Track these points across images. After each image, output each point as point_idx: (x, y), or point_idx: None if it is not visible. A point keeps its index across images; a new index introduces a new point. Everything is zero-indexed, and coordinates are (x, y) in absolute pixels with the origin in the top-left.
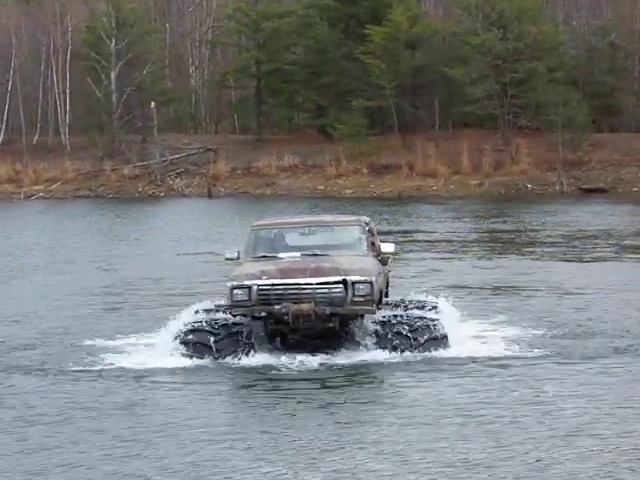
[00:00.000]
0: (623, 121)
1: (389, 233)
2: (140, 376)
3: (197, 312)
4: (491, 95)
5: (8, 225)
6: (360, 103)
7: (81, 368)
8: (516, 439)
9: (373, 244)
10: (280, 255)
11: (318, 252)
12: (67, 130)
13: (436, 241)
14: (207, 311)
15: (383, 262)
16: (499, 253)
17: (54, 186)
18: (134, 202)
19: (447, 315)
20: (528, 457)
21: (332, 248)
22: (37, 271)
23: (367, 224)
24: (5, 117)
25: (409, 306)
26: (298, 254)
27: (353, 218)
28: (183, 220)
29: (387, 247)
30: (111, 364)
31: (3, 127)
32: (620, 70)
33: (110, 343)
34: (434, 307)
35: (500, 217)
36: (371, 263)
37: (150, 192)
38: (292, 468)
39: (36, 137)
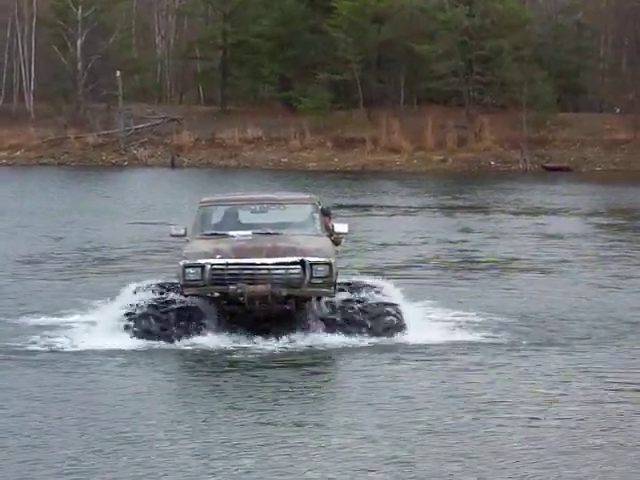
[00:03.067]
0: (588, 100)
1: (348, 207)
2: (77, 355)
3: (138, 290)
4: (456, 72)
5: None
6: (325, 77)
7: (13, 347)
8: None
9: (326, 224)
10: (230, 233)
11: (270, 231)
12: (32, 97)
13: (392, 216)
14: (151, 290)
15: (336, 242)
16: (454, 229)
17: (17, 153)
18: (97, 170)
19: (396, 299)
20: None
21: (285, 227)
22: None
23: (319, 203)
24: None
25: (359, 288)
26: (249, 232)
27: (305, 196)
28: (143, 190)
29: (340, 227)
30: (47, 344)
31: None
32: (586, 49)
33: (46, 320)
34: (381, 290)
35: (459, 193)
36: (327, 243)
37: (113, 161)
38: (216, 445)
39: (0, 103)
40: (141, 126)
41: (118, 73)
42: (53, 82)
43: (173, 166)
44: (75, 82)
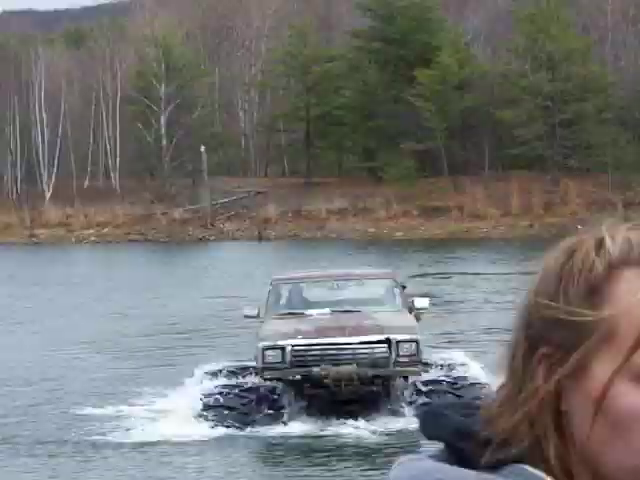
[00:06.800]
0: None
1: (430, 275)
2: (154, 445)
3: (209, 374)
4: (540, 136)
5: (55, 267)
6: (409, 146)
7: (90, 439)
8: None
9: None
10: (307, 311)
11: (349, 308)
12: (117, 174)
13: (474, 282)
14: (224, 374)
15: (416, 318)
16: None
17: (105, 230)
18: (184, 246)
19: (483, 376)
20: None
21: (364, 303)
22: (53, 317)
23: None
24: (56, 161)
25: (445, 366)
26: (327, 310)
27: (384, 271)
28: (228, 264)
29: (421, 302)
30: (123, 434)
31: (54, 171)
32: None
33: (119, 409)
34: (467, 366)
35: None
36: (411, 319)
37: (200, 236)
38: None
39: (87, 181)
40: (227, 200)
41: (203, 148)
42: (138, 159)
43: (260, 239)
44: (160, 158)
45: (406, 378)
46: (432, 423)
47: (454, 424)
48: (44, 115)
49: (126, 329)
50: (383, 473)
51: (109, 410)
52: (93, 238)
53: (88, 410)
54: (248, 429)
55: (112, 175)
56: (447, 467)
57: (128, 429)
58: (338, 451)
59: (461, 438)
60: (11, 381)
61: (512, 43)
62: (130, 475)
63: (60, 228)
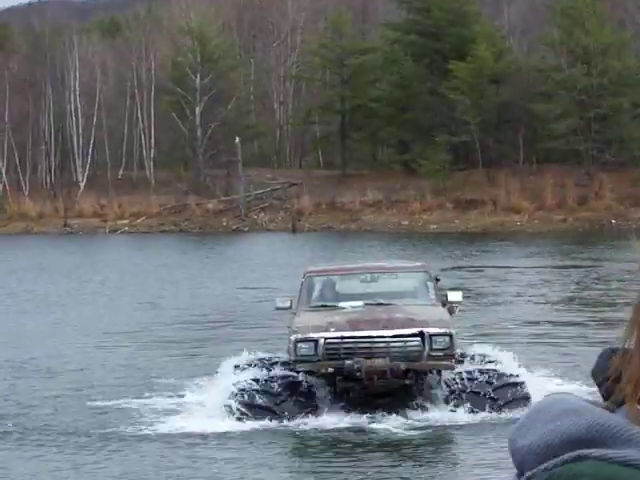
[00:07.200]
0: None
1: (463, 268)
2: (187, 437)
3: (239, 366)
4: (575, 131)
5: (89, 257)
6: (444, 138)
7: (123, 432)
8: None
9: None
10: (340, 304)
11: (382, 301)
12: (152, 165)
13: (506, 275)
14: (255, 366)
15: (450, 311)
16: (569, 289)
17: (139, 220)
18: (218, 237)
19: (517, 370)
20: None
21: (397, 296)
22: (84, 303)
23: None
24: (90, 151)
25: (478, 359)
26: (360, 303)
27: (418, 264)
28: (262, 255)
29: (454, 295)
30: (157, 427)
31: (89, 161)
32: None
33: (151, 402)
34: (500, 360)
35: (578, 253)
36: (445, 313)
37: (234, 227)
38: None
39: (121, 171)
40: (261, 191)
41: (237, 139)
42: (173, 149)
43: (294, 231)
44: (194, 149)
45: (439, 372)
46: (595, 362)
47: (599, 366)
48: (79, 105)
49: (156, 319)
50: (414, 466)
51: (135, 402)
52: (127, 228)
53: (113, 401)
54: (279, 422)
55: (146, 165)
56: (575, 399)
57: (155, 421)
58: (369, 444)
59: (601, 378)
60: (36, 371)
61: (548, 37)
62: (157, 468)
63: (94, 218)
